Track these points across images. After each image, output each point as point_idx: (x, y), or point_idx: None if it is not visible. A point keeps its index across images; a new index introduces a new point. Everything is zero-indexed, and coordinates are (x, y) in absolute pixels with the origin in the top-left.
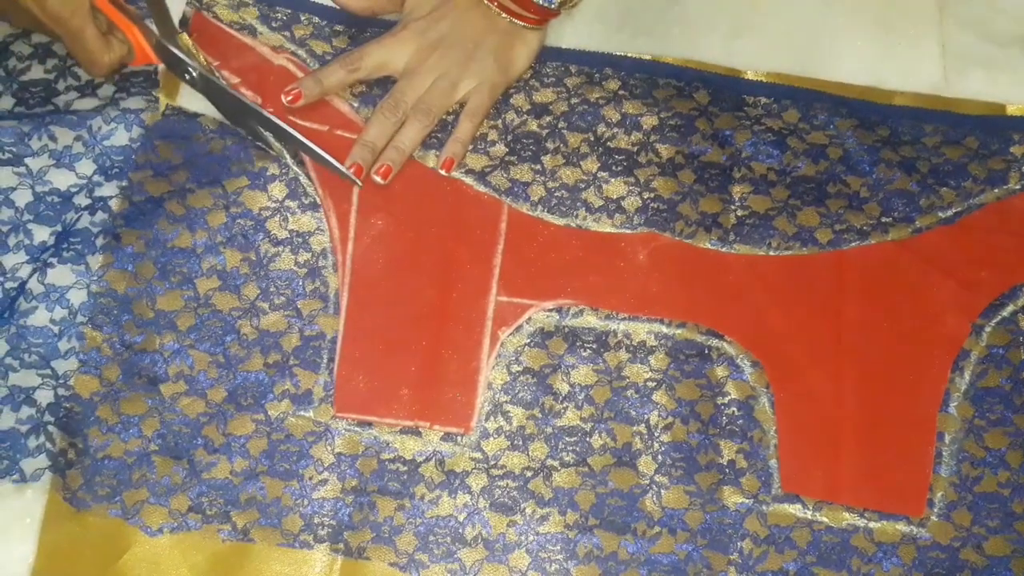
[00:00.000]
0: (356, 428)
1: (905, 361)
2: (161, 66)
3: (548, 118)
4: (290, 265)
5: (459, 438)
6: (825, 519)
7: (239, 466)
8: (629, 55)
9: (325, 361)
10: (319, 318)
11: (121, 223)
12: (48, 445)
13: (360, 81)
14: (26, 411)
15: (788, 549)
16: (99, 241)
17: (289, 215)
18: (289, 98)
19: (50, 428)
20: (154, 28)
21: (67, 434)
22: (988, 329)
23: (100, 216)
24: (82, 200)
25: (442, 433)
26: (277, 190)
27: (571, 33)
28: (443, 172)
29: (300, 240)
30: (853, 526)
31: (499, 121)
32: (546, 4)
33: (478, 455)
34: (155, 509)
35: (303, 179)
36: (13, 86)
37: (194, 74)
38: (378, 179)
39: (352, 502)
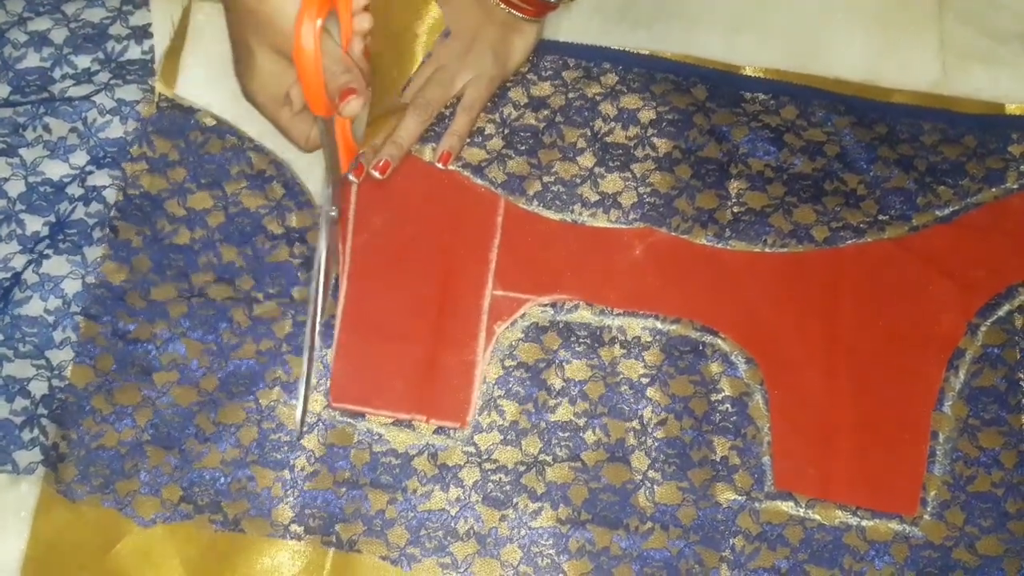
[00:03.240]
0: (349, 419)
1: (900, 359)
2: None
3: (545, 112)
4: (285, 257)
5: (452, 432)
6: (818, 517)
7: (230, 455)
8: (627, 49)
9: (319, 348)
10: (311, 306)
11: (118, 216)
12: (42, 438)
13: None
14: (20, 403)
15: (780, 546)
16: (96, 234)
17: (287, 212)
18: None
19: (43, 421)
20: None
21: (60, 426)
22: (984, 328)
23: (95, 207)
24: (75, 190)
25: (435, 426)
26: (274, 190)
27: (569, 26)
28: (440, 166)
29: (296, 235)
30: (846, 524)
31: (496, 115)
32: None
33: (471, 449)
34: (147, 499)
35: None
36: (8, 74)
37: (334, 214)
38: (376, 174)
39: (344, 494)
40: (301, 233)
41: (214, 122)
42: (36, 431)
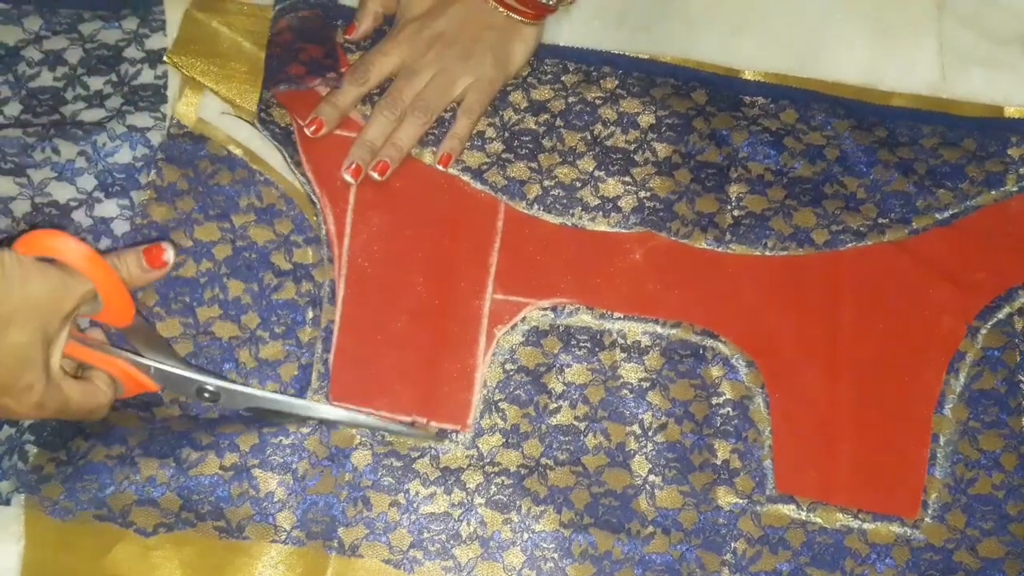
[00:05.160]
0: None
1: (900, 362)
2: (171, 100)
3: (545, 116)
4: (292, 295)
5: (454, 435)
6: (819, 520)
7: (228, 461)
8: (627, 53)
9: (319, 352)
10: (317, 344)
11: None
12: (20, 465)
13: (372, 90)
14: (7, 431)
15: (782, 550)
16: None
17: (294, 248)
18: (312, 128)
19: (26, 447)
20: (143, 358)
21: (48, 450)
22: (984, 331)
23: (105, 242)
24: (83, 219)
25: (437, 430)
26: (282, 226)
27: (569, 30)
28: (440, 167)
29: (303, 272)
30: (847, 527)
31: (497, 118)
32: (544, 0)
33: (473, 452)
34: (144, 511)
35: (300, 180)
36: (21, 92)
37: (211, 388)
38: (375, 175)
39: (346, 497)
40: (307, 270)
41: (225, 152)
42: (15, 458)
